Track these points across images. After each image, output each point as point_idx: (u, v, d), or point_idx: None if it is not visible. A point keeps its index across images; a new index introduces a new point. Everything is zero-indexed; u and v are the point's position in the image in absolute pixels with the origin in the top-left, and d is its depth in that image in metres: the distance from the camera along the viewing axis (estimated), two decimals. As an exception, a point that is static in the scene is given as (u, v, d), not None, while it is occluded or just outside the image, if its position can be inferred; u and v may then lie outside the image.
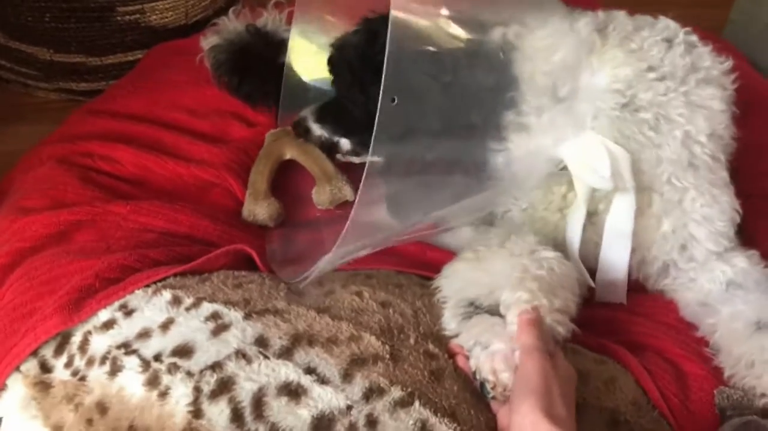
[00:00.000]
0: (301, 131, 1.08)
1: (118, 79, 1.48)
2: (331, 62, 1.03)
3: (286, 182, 1.14)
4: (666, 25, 0.94)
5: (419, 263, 0.98)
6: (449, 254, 0.95)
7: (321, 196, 1.09)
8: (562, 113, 0.86)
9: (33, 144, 1.24)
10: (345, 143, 1.06)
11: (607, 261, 0.93)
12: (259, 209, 1.07)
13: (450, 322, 0.82)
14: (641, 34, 0.91)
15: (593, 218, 0.93)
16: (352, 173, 1.10)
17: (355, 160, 1.08)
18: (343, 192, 1.08)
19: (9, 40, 1.65)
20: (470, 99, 0.85)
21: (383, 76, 0.71)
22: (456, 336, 0.81)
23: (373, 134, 0.74)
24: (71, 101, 1.65)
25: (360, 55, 0.95)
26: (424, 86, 0.81)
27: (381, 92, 0.72)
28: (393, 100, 0.73)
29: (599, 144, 0.87)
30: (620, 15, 0.96)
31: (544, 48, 0.87)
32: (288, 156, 1.14)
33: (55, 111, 1.57)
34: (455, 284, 0.86)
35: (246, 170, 1.14)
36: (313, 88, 1.20)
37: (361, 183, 0.75)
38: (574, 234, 0.92)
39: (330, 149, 1.08)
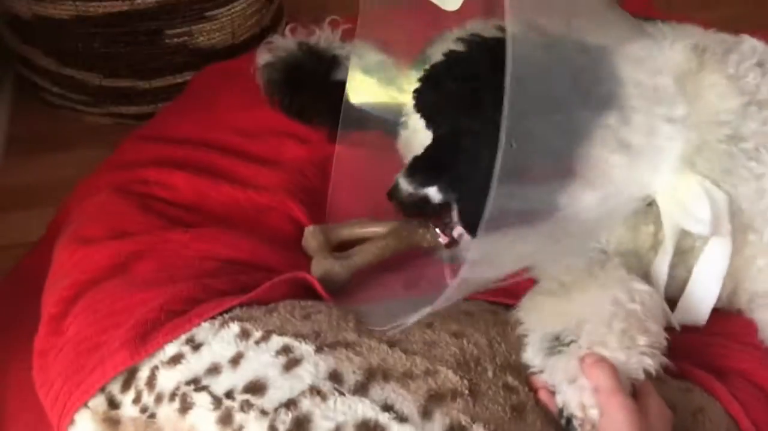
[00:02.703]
0: (392, 195, 0.96)
1: (167, 101, 1.48)
2: (424, 95, 0.92)
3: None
4: (753, 46, 0.89)
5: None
6: (520, 278, 0.91)
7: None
8: (667, 140, 0.81)
9: (85, 169, 1.24)
10: (434, 193, 0.93)
11: (692, 298, 0.87)
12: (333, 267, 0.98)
13: (534, 358, 0.77)
14: (731, 57, 0.86)
15: (685, 256, 0.87)
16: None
17: (454, 232, 0.95)
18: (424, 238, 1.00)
19: (60, 66, 1.66)
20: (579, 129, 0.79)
21: (504, 116, 0.63)
22: (540, 372, 0.77)
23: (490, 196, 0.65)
24: (121, 125, 1.65)
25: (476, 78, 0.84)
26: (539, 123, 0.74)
27: (502, 133, 0.63)
28: (511, 145, 0.64)
29: (697, 185, 0.81)
30: (697, 31, 0.91)
31: (646, 69, 0.82)
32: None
33: (106, 135, 1.56)
34: (538, 316, 0.81)
35: (303, 190, 1.11)
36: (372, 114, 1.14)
37: (475, 239, 0.69)
38: (660, 274, 0.86)
39: (419, 205, 0.94)
